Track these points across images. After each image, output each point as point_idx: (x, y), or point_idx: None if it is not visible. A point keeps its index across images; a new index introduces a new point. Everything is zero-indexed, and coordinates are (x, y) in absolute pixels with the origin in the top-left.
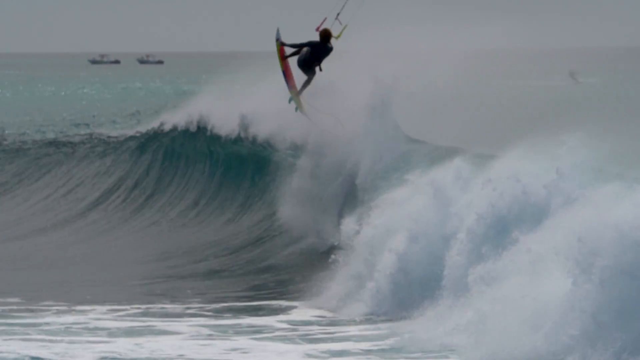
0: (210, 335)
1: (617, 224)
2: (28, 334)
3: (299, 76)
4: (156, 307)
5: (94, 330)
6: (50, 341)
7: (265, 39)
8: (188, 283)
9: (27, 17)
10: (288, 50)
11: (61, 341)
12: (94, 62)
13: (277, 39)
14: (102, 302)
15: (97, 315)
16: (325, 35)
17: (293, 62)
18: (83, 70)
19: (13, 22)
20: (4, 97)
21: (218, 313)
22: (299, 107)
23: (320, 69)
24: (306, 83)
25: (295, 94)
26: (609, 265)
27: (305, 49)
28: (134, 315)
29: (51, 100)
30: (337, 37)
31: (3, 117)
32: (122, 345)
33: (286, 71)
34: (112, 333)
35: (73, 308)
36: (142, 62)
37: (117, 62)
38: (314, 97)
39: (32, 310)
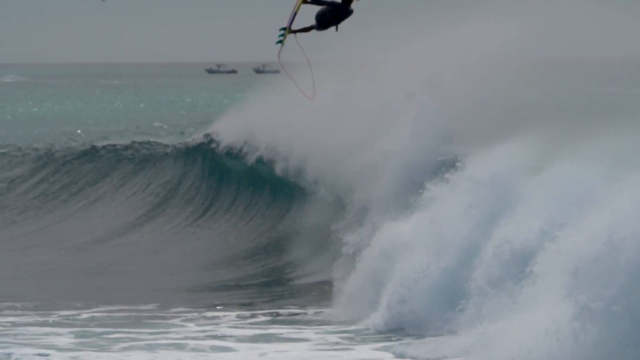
0: (336, 343)
1: (608, 232)
2: (156, 340)
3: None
4: (284, 312)
5: (222, 338)
6: (177, 347)
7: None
8: (311, 286)
9: (146, 28)
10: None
11: (186, 346)
12: (211, 71)
13: None
14: (230, 308)
15: (225, 322)
16: None
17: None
18: (200, 80)
19: (134, 33)
20: (124, 106)
21: (344, 320)
22: (281, 46)
23: (337, 29)
24: (307, 28)
25: (289, 31)
26: (585, 301)
27: (325, 7)
28: (262, 323)
29: (170, 108)
30: None
31: (118, 125)
32: (246, 355)
33: (295, 14)
34: (240, 340)
35: (202, 314)
36: (258, 71)
37: (233, 71)
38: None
39: (161, 317)
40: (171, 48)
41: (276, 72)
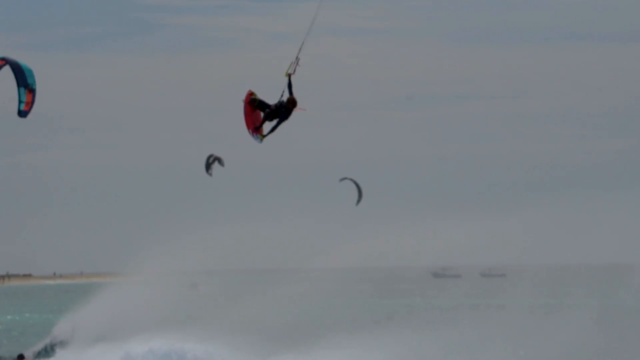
0: None
1: None
2: None
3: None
4: None
5: None
6: None
7: None
8: None
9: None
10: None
11: None
12: (436, 275)
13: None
14: None
15: None
16: (294, 104)
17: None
18: (424, 283)
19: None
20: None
21: None
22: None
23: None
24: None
25: (262, 137)
26: None
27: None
28: None
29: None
30: (287, 72)
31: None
32: None
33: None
34: None
35: None
36: (484, 275)
37: (457, 275)
38: None
39: None
40: (396, 252)
41: (502, 275)
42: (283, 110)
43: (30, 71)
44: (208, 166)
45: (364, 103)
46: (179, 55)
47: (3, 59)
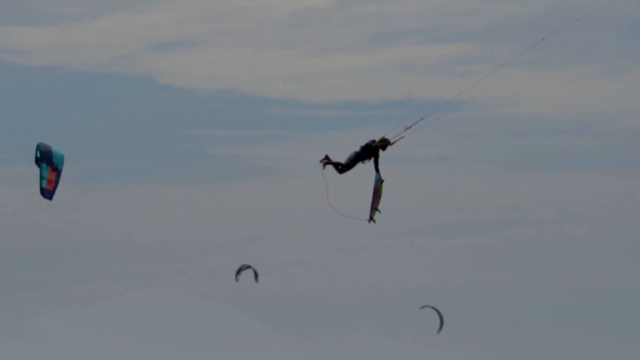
0: None
1: None
2: None
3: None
4: None
5: None
6: None
7: None
8: None
9: None
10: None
11: None
12: None
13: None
14: None
15: None
16: (385, 145)
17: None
18: None
19: None
20: None
21: None
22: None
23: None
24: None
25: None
26: None
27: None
28: None
29: None
30: (377, 142)
31: None
32: None
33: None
34: None
35: None
36: None
37: None
38: None
39: None
40: None
41: None
42: (369, 149)
43: (60, 155)
44: (239, 271)
45: (408, 230)
46: (223, 184)
47: (37, 146)
